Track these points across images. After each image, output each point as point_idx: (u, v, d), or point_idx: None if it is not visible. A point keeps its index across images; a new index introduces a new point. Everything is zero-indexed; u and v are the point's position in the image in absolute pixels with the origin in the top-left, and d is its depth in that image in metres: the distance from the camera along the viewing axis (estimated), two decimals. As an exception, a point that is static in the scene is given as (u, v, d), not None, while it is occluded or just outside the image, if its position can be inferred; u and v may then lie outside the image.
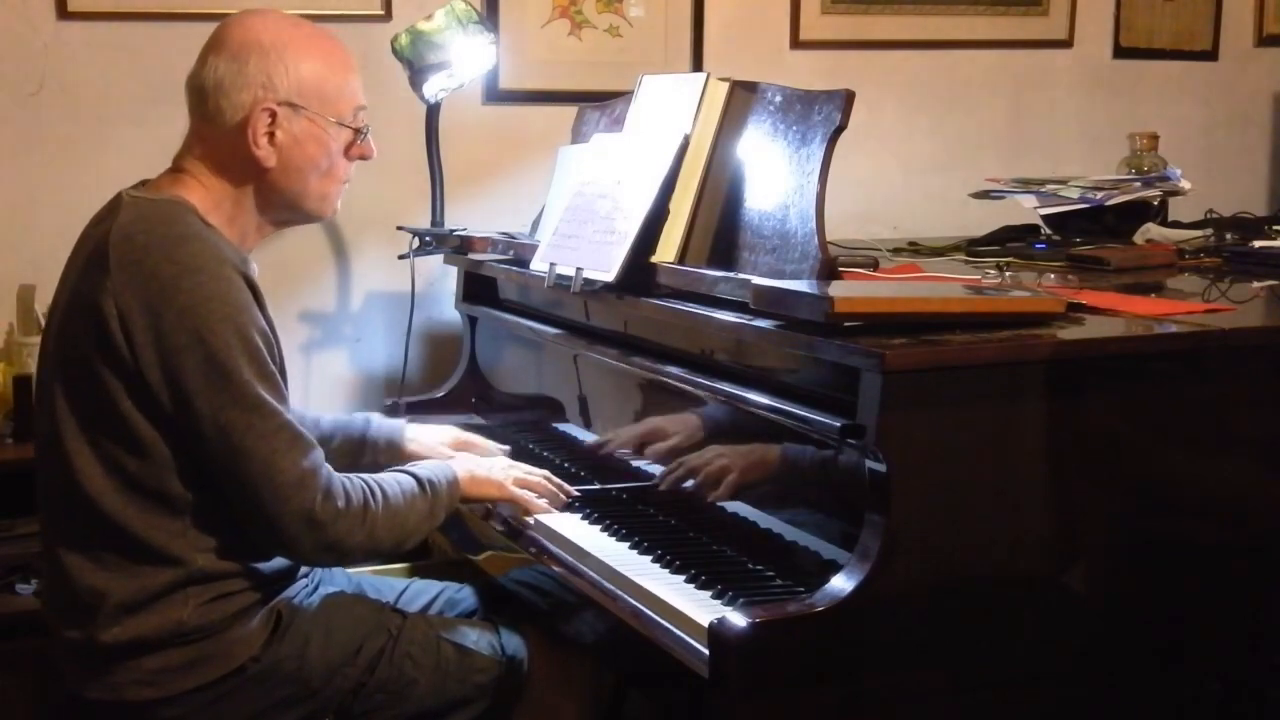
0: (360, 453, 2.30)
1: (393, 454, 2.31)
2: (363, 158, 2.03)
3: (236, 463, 1.80)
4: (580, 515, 2.16)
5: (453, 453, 2.33)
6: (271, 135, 1.92)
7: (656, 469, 2.20)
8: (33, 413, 1.97)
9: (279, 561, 1.96)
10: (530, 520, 2.16)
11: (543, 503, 2.16)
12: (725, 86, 2.22)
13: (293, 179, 1.96)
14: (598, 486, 2.25)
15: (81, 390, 1.84)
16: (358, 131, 2.01)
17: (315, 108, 1.95)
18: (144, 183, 1.98)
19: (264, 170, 1.94)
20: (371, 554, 1.96)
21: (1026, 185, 3.13)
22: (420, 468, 2.05)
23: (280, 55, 1.92)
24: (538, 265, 2.35)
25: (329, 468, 1.88)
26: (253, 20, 1.97)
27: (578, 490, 2.21)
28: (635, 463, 2.25)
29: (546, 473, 2.22)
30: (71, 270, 1.91)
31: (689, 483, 2.10)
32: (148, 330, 1.78)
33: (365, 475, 1.95)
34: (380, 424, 2.34)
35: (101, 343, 1.80)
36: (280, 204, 1.99)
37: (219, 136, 1.93)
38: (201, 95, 1.94)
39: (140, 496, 1.83)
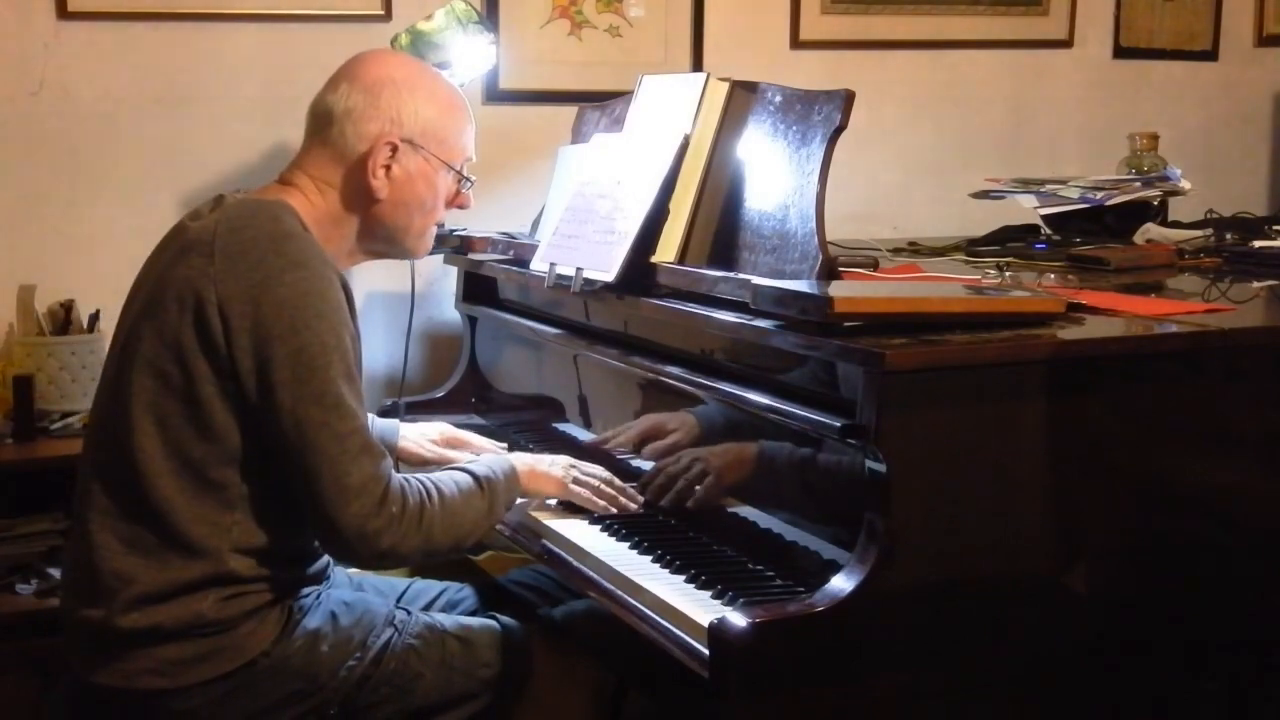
0: None
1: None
2: (461, 207, 2.12)
3: (306, 459, 1.82)
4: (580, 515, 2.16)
5: (441, 449, 2.35)
6: (389, 168, 1.99)
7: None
8: (106, 384, 1.96)
9: (303, 569, 1.98)
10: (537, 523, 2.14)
11: (602, 503, 2.15)
12: (725, 86, 2.22)
13: (399, 213, 2.03)
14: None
15: (162, 370, 1.84)
16: (462, 180, 2.09)
17: (432, 149, 2.03)
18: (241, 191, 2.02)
19: (374, 200, 2.00)
20: (429, 555, 1.98)
21: (1026, 185, 3.13)
22: (478, 464, 2.06)
23: (412, 94, 2.01)
24: (538, 265, 2.35)
25: (394, 475, 1.89)
26: (387, 57, 2.09)
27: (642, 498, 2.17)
28: (635, 463, 2.25)
29: (608, 475, 2.20)
30: (161, 258, 1.93)
31: (685, 484, 2.09)
32: (245, 318, 1.81)
33: (424, 475, 1.97)
34: (373, 423, 2.34)
35: (198, 327, 1.82)
36: (380, 235, 2.05)
37: (336, 161, 2.00)
38: (328, 119, 2.00)
39: (196, 483, 1.84)
